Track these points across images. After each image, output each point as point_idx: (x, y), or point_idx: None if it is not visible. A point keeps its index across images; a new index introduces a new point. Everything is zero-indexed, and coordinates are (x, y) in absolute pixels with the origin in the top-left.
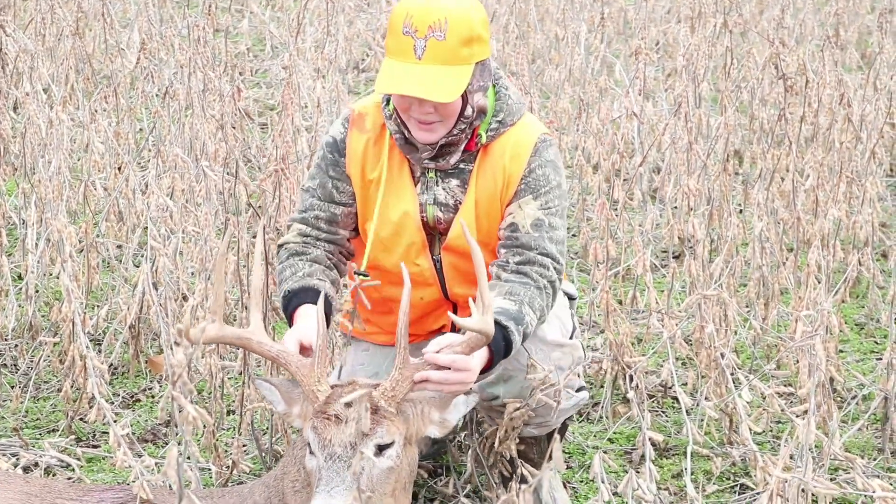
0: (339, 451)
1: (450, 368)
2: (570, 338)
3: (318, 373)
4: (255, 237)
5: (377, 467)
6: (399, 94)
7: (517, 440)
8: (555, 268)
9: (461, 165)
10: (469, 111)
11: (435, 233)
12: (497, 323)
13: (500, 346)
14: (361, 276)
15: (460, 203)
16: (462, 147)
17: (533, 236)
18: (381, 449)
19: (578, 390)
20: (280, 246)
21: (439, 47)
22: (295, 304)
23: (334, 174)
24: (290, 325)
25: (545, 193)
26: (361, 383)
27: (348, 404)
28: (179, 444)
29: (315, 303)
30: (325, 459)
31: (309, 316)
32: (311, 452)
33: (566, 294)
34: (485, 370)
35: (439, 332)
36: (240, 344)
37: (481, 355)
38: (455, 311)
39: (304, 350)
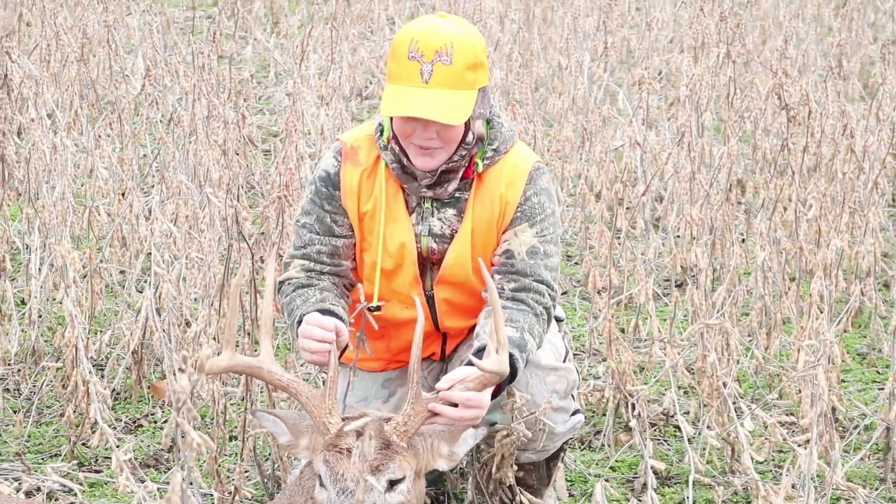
0: (352, 485)
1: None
2: (564, 361)
3: (329, 404)
4: (261, 261)
5: (388, 503)
6: (402, 120)
7: (515, 467)
8: (549, 294)
9: (457, 194)
10: (470, 137)
11: (427, 264)
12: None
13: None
14: (372, 310)
15: (456, 232)
16: (460, 174)
17: (528, 263)
18: (392, 484)
19: (574, 413)
20: (282, 283)
21: (446, 71)
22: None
23: (330, 208)
24: None
25: (540, 221)
26: (372, 415)
27: (359, 435)
28: (182, 469)
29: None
30: (338, 494)
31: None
32: (322, 485)
33: (554, 317)
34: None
35: (428, 359)
36: (251, 373)
37: (491, 388)
38: (444, 342)
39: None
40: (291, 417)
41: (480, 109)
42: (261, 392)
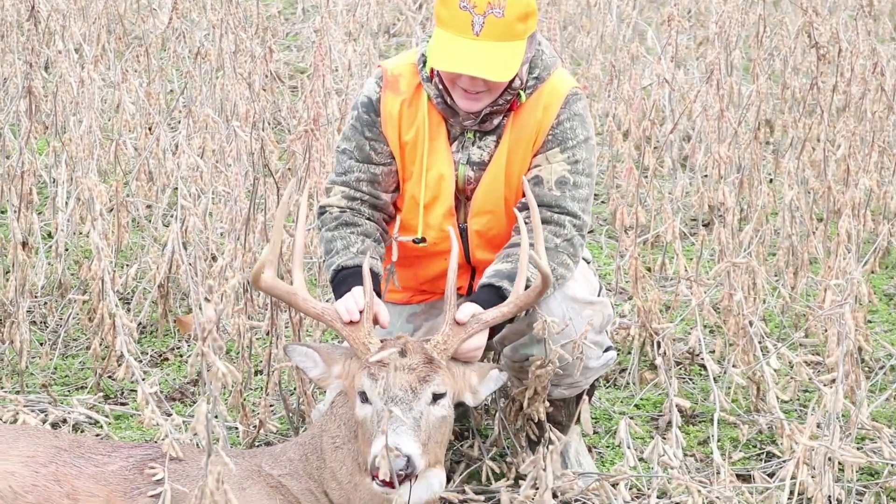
0: (400, 394)
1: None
2: (598, 295)
3: (367, 328)
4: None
5: (433, 414)
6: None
7: (547, 402)
8: (573, 224)
9: (497, 121)
10: (517, 83)
11: (462, 197)
12: (490, 284)
13: (495, 303)
14: (417, 242)
15: (492, 157)
16: (504, 111)
17: (555, 195)
18: (435, 398)
19: (606, 350)
20: (322, 209)
21: (497, 24)
22: (350, 284)
23: (370, 135)
24: (337, 298)
25: (572, 147)
26: (408, 338)
27: (403, 353)
28: (208, 401)
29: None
30: (386, 403)
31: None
32: (365, 401)
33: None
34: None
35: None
36: (287, 300)
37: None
38: (473, 277)
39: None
40: (324, 348)
41: (528, 54)
42: (286, 327)
